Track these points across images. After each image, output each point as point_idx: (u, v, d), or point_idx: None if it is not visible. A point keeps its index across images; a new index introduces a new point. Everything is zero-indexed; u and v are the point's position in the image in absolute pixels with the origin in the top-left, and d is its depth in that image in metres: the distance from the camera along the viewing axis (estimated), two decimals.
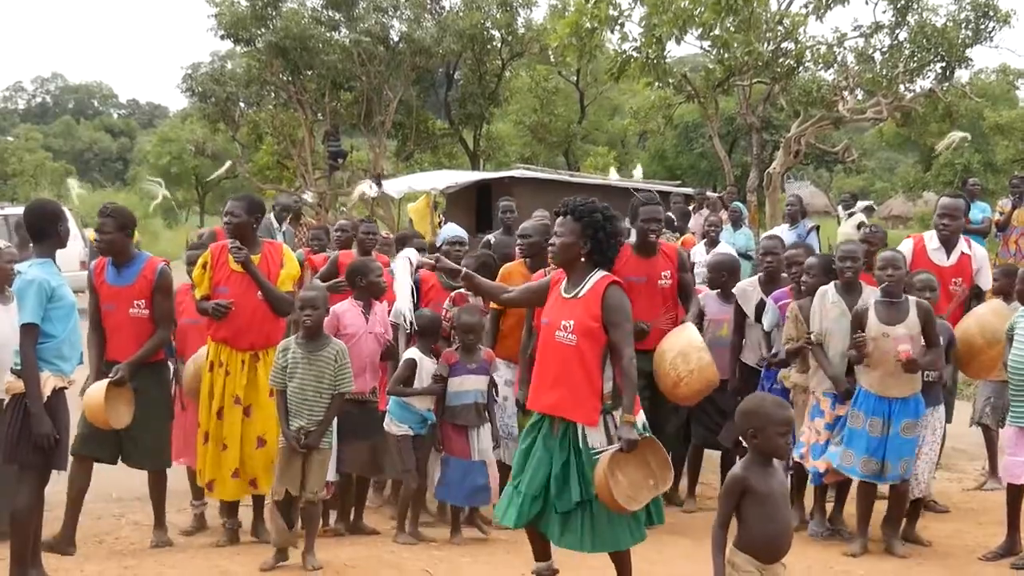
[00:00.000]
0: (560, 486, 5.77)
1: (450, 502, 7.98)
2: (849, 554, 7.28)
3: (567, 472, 5.75)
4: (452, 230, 10.66)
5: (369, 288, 8.08)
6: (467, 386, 7.80)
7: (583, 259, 5.92)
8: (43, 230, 6.89)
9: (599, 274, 5.91)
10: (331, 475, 7.80)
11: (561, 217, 5.99)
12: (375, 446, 7.93)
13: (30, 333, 6.24)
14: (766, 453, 4.85)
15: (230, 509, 7.84)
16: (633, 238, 8.60)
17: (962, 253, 8.74)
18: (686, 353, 7.50)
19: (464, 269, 6.69)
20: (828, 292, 7.71)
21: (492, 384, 8.03)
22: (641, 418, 5.93)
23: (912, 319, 7.22)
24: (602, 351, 5.81)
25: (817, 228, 14.73)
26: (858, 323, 7.40)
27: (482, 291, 6.88)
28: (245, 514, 7.99)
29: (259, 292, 7.66)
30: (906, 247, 8.73)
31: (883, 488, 7.55)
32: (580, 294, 5.87)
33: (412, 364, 7.86)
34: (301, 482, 7.05)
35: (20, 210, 22.74)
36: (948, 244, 8.77)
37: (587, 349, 5.76)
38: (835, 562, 7.21)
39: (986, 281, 8.80)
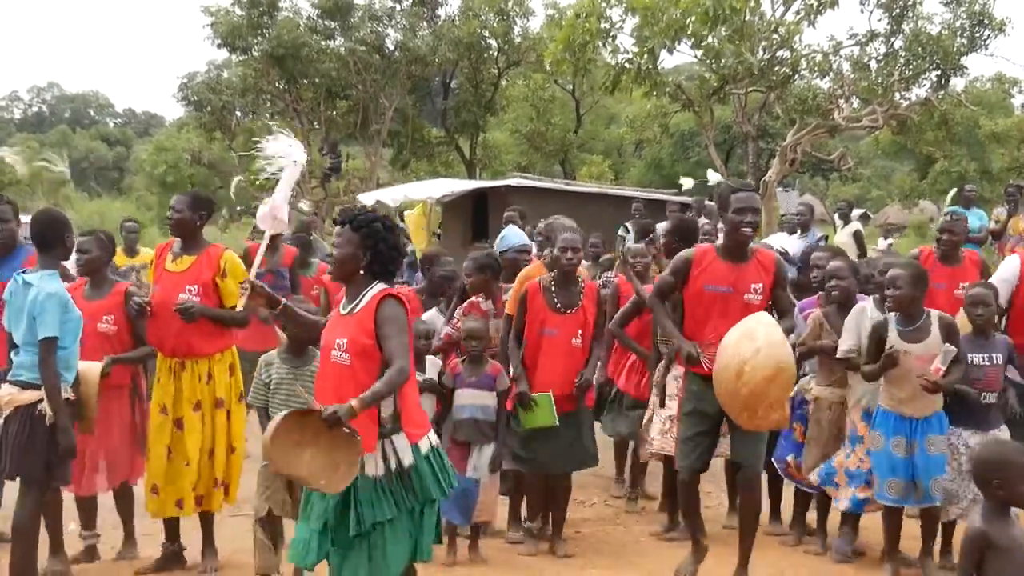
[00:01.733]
0: (337, 517, 5.28)
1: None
2: None
3: (347, 501, 5.23)
4: (517, 237, 9.69)
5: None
6: (465, 400, 7.36)
7: (362, 272, 5.39)
8: (50, 240, 6.79)
9: (377, 287, 5.36)
10: None
11: (339, 227, 5.50)
12: None
13: (51, 346, 6.18)
14: (1010, 503, 4.46)
15: (167, 530, 7.37)
16: (720, 239, 7.04)
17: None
18: (752, 330, 6.03)
19: (284, 301, 6.03)
20: (867, 309, 7.22)
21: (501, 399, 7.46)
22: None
23: (934, 337, 6.66)
24: (379, 371, 5.23)
25: (825, 238, 14.69)
26: (877, 338, 6.87)
27: (299, 322, 6.20)
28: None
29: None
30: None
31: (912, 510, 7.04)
32: (355, 310, 5.35)
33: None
34: (292, 500, 6.59)
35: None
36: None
37: (360, 369, 5.25)
38: None
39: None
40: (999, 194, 21.89)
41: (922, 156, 37.86)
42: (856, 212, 18.52)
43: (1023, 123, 29.93)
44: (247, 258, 8.09)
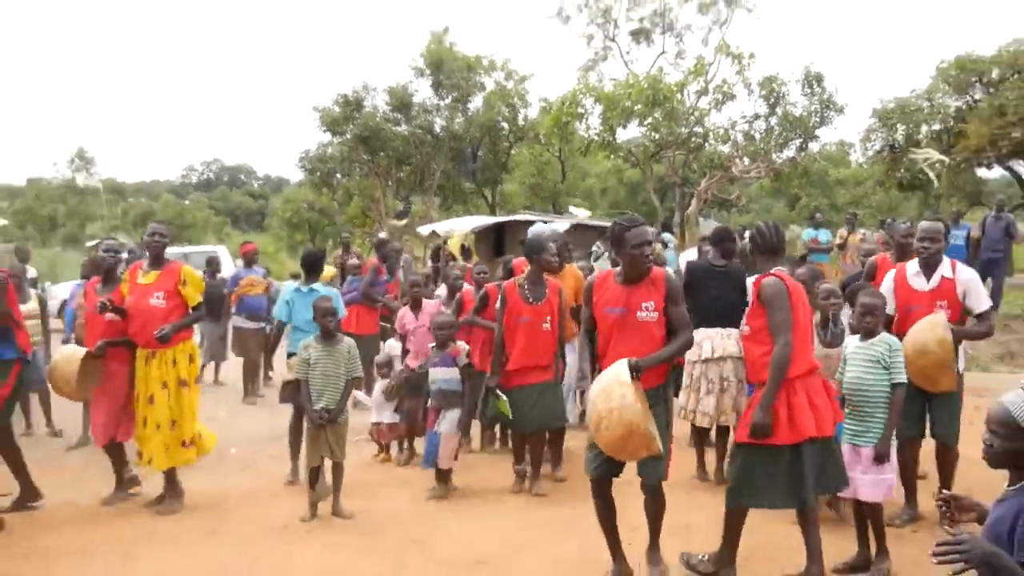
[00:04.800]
0: None
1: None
2: None
3: None
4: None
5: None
6: (435, 376, 6.92)
7: None
8: (314, 267, 8.00)
9: None
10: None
11: None
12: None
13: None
14: None
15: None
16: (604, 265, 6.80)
17: (943, 277, 5.76)
18: (609, 389, 4.42)
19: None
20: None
21: (465, 373, 6.93)
22: None
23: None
24: None
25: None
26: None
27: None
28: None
29: (153, 300, 6.60)
30: (888, 278, 6.06)
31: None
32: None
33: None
34: (331, 449, 6.46)
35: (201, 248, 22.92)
36: (928, 268, 5.84)
37: None
38: None
39: (976, 302, 5.75)
40: (842, 219, 21.80)
41: (791, 195, 37.74)
42: (747, 232, 18.42)
43: (857, 173, 29.82)
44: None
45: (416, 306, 8.25)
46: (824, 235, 16.49)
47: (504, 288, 7.01)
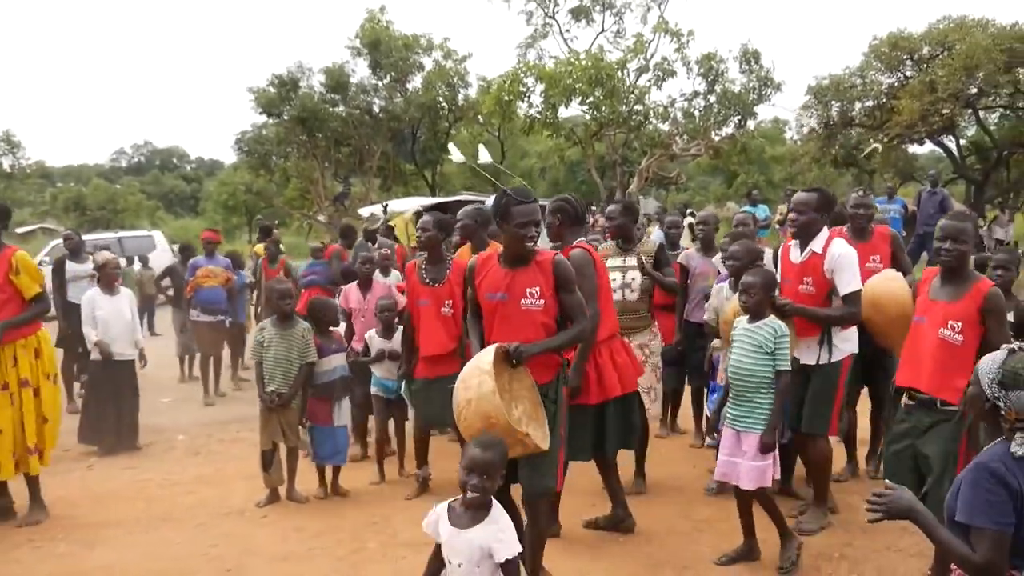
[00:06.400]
0: None
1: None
2: None
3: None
4: None
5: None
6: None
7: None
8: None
9: None
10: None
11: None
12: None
13: None
14: None
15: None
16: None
17: (812, 252, 5.19)
18: (466, 378, 3.89)
19: None
20: (724, 288, 6.19)
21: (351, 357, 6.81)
22: None
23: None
24: None
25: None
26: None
27: None
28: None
29: None
30: (773, 252, 5.95)
31: None
32: None
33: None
34: (283, 434, 6.35)
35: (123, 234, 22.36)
36: (801, 240, 5.32)
37: None
38: None
39: (845, 283, 5.06)
40: (779, 195, 22.15)
41: (729, 172, 38.23)
42: (688, 211, 18.68)
43: (792, 150, 30.26)
44: None
45: (366, 285, 7.95)
46: (762, 211, 16.75)
47: (406, 268, 6.50)
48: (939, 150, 26.33)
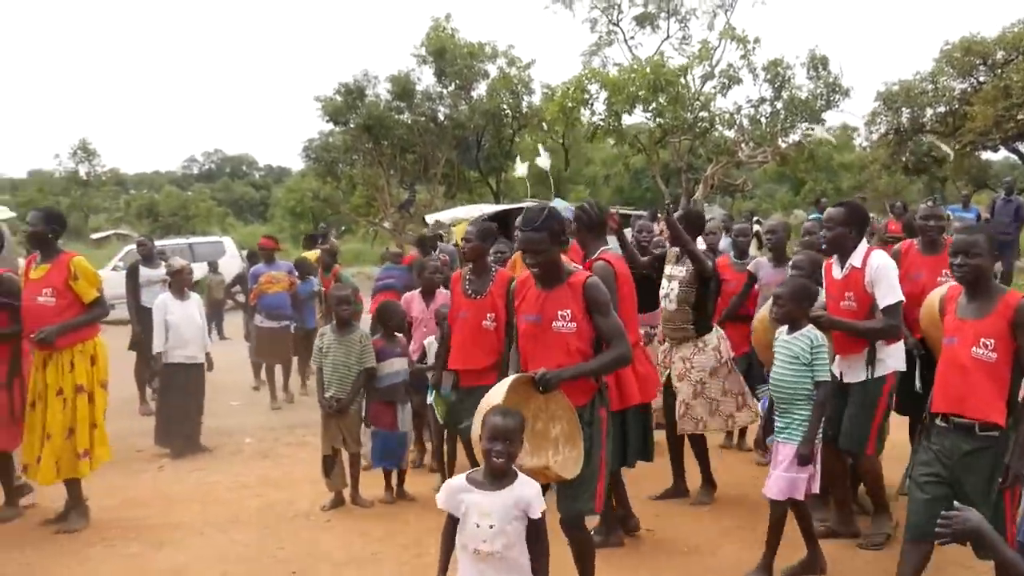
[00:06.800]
0: None
1: None
2: None
3: None
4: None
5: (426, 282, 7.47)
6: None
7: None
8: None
9: None
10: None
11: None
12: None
13: None
14: None
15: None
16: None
17: (852, 267, 5.04)
18: (481, 408, 3.60)
19: None
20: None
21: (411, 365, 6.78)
22: None
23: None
24: None
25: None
26: None
27: None
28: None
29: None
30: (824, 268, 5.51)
31: None
32: None
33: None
34: (343, 440, 6.40)
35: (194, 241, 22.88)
36: (839, 257, 5.17)
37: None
38: None
39: (883, 295, 4.91)
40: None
41: (796, 180, 37.67)
42: (754, 218, 18.43)
43: (861, 157, 29.72)
44: None
45: (429, 294, 7.89)
46: None
47: (451, 279, 6.35)
48: (1014, 157, 25.66)
